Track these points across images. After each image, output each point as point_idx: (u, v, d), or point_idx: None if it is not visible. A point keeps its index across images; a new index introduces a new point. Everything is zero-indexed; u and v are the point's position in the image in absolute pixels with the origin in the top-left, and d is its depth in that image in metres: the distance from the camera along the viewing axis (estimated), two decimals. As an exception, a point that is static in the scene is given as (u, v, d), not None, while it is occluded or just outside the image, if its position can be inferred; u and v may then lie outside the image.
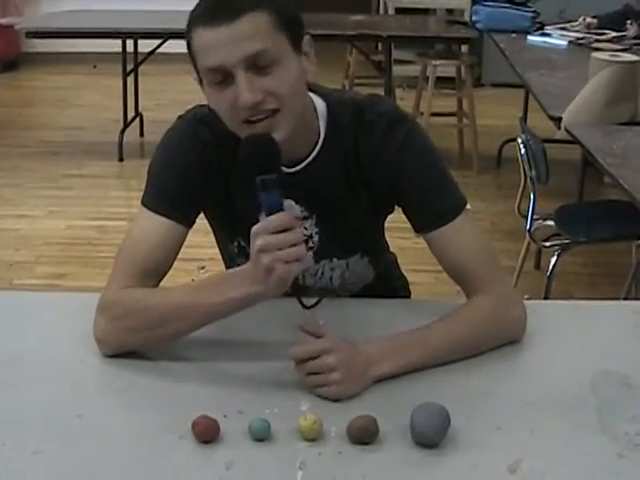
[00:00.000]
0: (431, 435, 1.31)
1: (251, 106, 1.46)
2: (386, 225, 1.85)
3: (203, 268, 3.95)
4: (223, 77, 1.47)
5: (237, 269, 1.52)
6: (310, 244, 1.69)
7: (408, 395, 1.42)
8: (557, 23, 5.20)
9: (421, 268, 2.96)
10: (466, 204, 1.65)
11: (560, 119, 3.33)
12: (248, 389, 1.47)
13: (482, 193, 5.05)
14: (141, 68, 6.01)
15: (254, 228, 1.41)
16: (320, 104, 1.64)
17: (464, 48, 6.56)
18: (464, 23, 5.94)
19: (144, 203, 1.62)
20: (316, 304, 1.62)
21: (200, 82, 1.56)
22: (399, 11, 7.14)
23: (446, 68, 5.78)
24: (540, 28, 5.13)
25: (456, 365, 1.53)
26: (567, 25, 5.11)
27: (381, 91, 5.42)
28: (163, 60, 6.44)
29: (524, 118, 5.19)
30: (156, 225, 1.59)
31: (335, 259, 1.75)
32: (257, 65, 1.45)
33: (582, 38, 4.86)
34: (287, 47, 1.49)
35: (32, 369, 1.53)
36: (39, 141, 6.09)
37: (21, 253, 4.32)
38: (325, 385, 1.43)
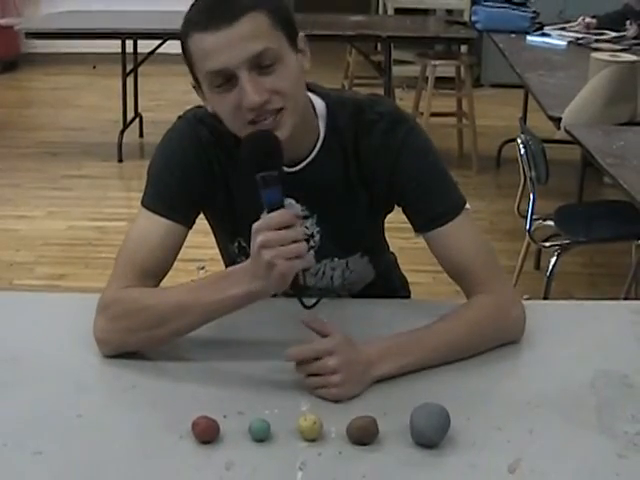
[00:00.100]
0: (431, 435, 1.31)
1: (257, 107, 1.46)
2: (386, 225, 1.85)
3: (203, 268, 3.95)
4: (225, 80, 1.46)
5: (236, 267, 1.52)
6: (311, 243, 1.69)
7: (408, 395, 1.42)
8: (556, 23, 5.21)
9: (420, 268, 2.96)
10: (465, 204, 1.65)
11: (560, 119, 3.33)
12: (248, 389, 1.47)
13: (482, 193, 5.05)
14: (141, 69, 6.01)
15: (255, 225, 1.41)
16: (319, 104, 1.64)
17: (463, 48, 6.58)
18: (463, 23, 5.95)
19: (144, 203, 1.63)
20: (316, 304, 1.62)
21: (195, 87, 1.56)
22: (398, 11, 7.15)
23: (445, 68, 5.78)
24: (539, 28, 5.14)
25: (456, 365, 1.53)
26: (566, 25, 5.12)
27: (381, 91, 5.43)
28: (163, 61, 6.43)
29: (524, 118, 5.20)
30: (156, 225, 1.60)
31: (336, 259, 1.75)
32: (260, 65, 1.46)
33: (581, 38, 4.87)
34: (286, 45, 1.50)
35: (32, 369, 1.53)
36: (39, 142, 6.09)
37: (21, 254, 4.32)
38: (325, 387, 1.43)
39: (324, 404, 1.41)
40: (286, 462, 1.29)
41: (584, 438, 1.35)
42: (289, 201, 1.54)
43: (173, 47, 5.85)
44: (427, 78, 5.67)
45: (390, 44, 5.69)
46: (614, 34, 4.89)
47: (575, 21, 5.11)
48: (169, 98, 6.89)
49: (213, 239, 1.84)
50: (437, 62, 5.63)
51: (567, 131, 3.15)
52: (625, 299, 3.40)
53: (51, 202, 4.98)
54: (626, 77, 3.34)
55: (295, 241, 1.39)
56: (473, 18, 5.48)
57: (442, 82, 5.88)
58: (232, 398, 1.43)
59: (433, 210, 1.62)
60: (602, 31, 4.95)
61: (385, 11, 7.60)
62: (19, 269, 4.16)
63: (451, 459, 1.30)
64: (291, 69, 1.50)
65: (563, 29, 5.07)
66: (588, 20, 5.05)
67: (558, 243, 3.41)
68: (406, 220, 1.68)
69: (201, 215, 1.70)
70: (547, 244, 3.50)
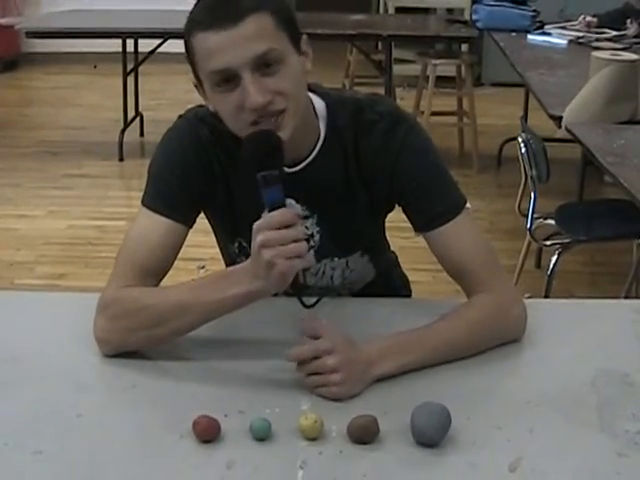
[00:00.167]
0: (432, 434, 1.31)
1: (260, 108, 1.46)
2: (386, 224, 1.85)
3: (203, 268, 3.94)
4: (228, 80, 1.46)
5: (237, 266, 1.52)
6: (311, 243, 1.69)
7: (408, 394, 1.42)
8: (557, 22, 5.20)
9: (420, 267, 2.96)
10: (466, 203, 1.65)
11: (560, 118, 3.33)
12: (249, 389, 1.47)
13: (482, 192, 5.05)
14: (141, 68, 6.01)
15: (256, 224, 1.41)
16: (319, 104, 1.64)
17: (464, 47, 6.57)
18: (464, 22, 5.94)
19: (144, 203, 1.62)
20: (316, 303, 1.61)
21: (197, 86, 1.56)
22: (399, 10, 7.14)
23: (446, 67, 5.78)
24: (540, 27, 5.13)
25: (456, 364, 1.53)
26: (567, 24, 5.11)
27: (381, 90, 5.42)
28: (163, 60, 6.44)
29: (524, 117, 5.19)
30: (156, 225, 1.59)
31: (336, 258, 1.75)
32: (264, 65, 1.45)
33: (582, 37, 4.86)
34: (289, 46, 1.50)
35: (32, 369, 1.53)
36: (39, 141, 6.09)
37: (21, 253, 4.32)
38: (326, 385, 1.43)
39: (325, 403, 1.41)
40: (287, 461, 1.29)
41: (585, 437, 1.35)
42: (289, 201, 1.54)
43: (174, 46, 5.85)
44: (428, 77, 5.67)
45: (391, 43, 5.69)
46: (615, 33, 4.89)
47: (576, 20, 5.10)
48: (170, 97, 6.90)
49: (213, 238, 1.84)
50: (438, 61, 5.63)
51: (568, 130, 3.15)
52: (626, 298, 3.40)
53: (51, 201, 4.98)
54: (627, 76, 3.33)
55: (295, 240, 1.39)
56: (474, 17, 5.48)
57: (443, 81, 5.88)
58: (233, 397, 1.43)
59: (433, 210, 1.62)
60: (603, 30, 4.95)
61: (386, 10, 7.59)
62: (19, 268, 4.16)
63: (452, 458, 1.30)
64: (294, 70, 1.50)
65: (564, 28, 5.07)
66: (589, 19, 5.04)
67: (559, 242, 3.41)
68: (407, 219, 1.68)
69: (201, 214, 1.70)
70: (548, 243, 3.50)
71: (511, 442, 1.33)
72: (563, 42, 4.87)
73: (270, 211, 1.41)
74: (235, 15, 1.44)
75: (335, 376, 1.42)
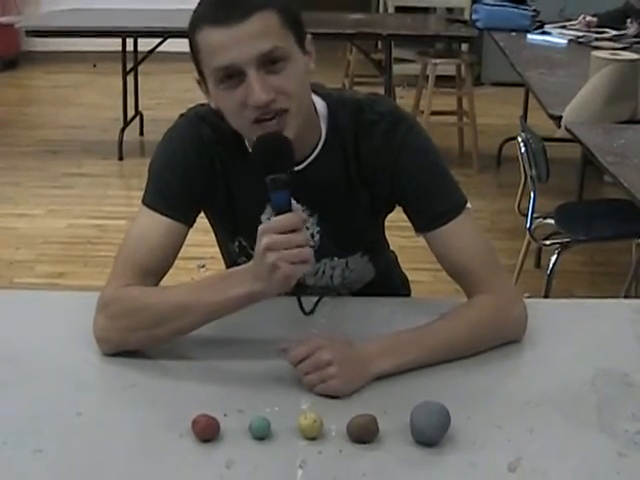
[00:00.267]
0: (431, 434, 1.31)
1: (263, 105, 1.46)
2: (386, 224, 1.85)
3: (203, 267, 3.95)
4: (232, 76, 1.46)
5: (238, 268, 1.52)
6: (311, 243, 1.68)
7: (408, 394, 1.42)
8: (557, 22, 5.20)
9: (420, 267, 2.96)
10: (466, 203, 1.64)
11: (560, 118, 3.33)
12: (248, 388, 1.47)
13: (482, 192, 5.05)
14: (141, 67, 6.01)
15: (262, 226, 1.41)
16: (320, 104, 1.64)
17: (464, 47, 6.57)
18: (464, 22, 5.94)
19: (145, 202, 1.62)
20: (314, 309, 1.61)
21: (199, 82, 1.56)
22: (399, 9, 7.14)
23: (446, 67, 5.78)
24: (540, 27, 5.14)
25: (456, 364, 1.53)
26: (567, 23, 5.12)
27: (381, 90, 5.42)
28: (163, 59, 6.44)
29: (524, 117, 5.20)
30: (157, 224, 1.59)
31: (336, 258, 1.75)
32: (269, 63, 1.45)
33: (582, 36, 4.87)
34: (294, 46, 1.50)
35: (32, 368, 1.53)
36: (39, 140, 6.09)
37: (21, 252, 4.32)
38: (324, 381, 1.43)
39: (324, 402, 1.41)
40: (286, 460, 1.29)
41: (584, 437, 1.35)
42: (296, 206, 1.54)
43: (173, 45, 5.86)
44: (427, 76, 5.67)
45: (390, 42, 5.68)
46: (615, 32, 4.89)
47: (576, 19, 5.11)
48: (169, 96, 6.90)
49: (213, 237, 1.84)
50: (438, 60, 5.63)
51: (568, 129, 3.15)
52: (625, 297, 3.40)
53: (51, 200, 4.98)
54: (627, 75, 3.33)
55: (300, 245, 1.39)
56: (474, 16, 5.48)
57: (443, 80, 5.88)
58: (232, 396, 1.43)
59: (434, 210, 1.62)
60: (603, 29, 4.95)
61: (386, 9, 7.59)
62: (19, 267, 4.16)
63: (451, 458, 1.30)
64: (298, 69, 1.50)
65: (564, 27, 5.07)
66: (589, 18, 5.05)
67: (558, 241, 3.41)
68: (407, 219, 1.68)
69: (202, 213, 1.70)
70: (547, 242, 3.50)
71: (511, 442, 1.33)
72: (563, 42, 4.87)
73: (276, 214, 1.42)
74: (242, 12, 1.44)
75: (331, 369, 1.42)
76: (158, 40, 5.71)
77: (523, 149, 3.37)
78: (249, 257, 1.67)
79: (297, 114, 1.50)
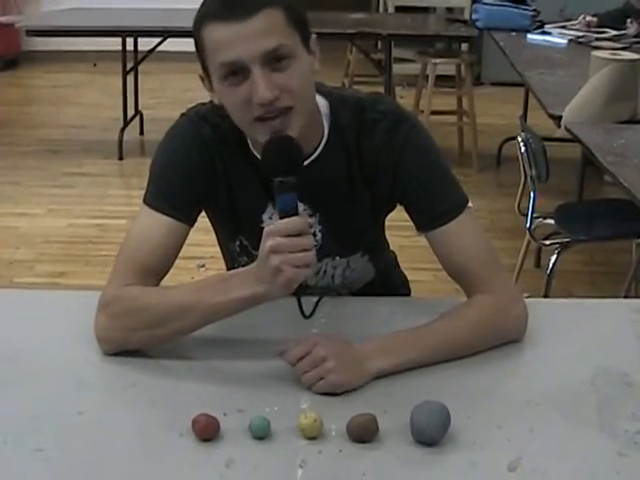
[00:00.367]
0: (431, 433, 1.31)
1: (268, 103, 1.46)
2: (386, 224, 1.85)
3: (203, 266, 3.95)
4: (236, 73, 1.46)
5: (240, 270, 1.52)
6: (314, 244, 1.68)
7: (408, 393, 1.42)
8: (557, 21, 5.20)
9: (421, 266, 2.96)
10: (467, 203, 1.64)
11: (560, 117, 3.33)
12: (248, 387, 1.47)
13: (482, 191, 5.05)
14: (141, 66, 6.01)
15: (267, 228, 1.41)
16: (322, 102, 1.64)
17: (464, 46, 6.58)
18: (464, 21, 5.94)
19: (146, 202, 1.62)
20: (313, 312, 1.61)
21: (203, 79, 1.56)
22: (399, 9, 7.14)
23: (446, 66, 5.78)
24: (540, 26, 5.13)
25: (456, 363, 1.54)
26: (567, 23, 5.11)
27: (381, 89, 5.43)
28: (163, 58, 6.45)
29: (524, 116, 5.20)
30: (158, 224, 1.59)
31: (337, 257, 1.75)
32: (274, 60, 1.45)
33: (582, 36, 4.87)
34: (299, 44, 1.50)
35: (33, 367, 1.53)
36: (39, 139, 6.09)
37: (21, 251, 4.32)
38: (321, 378, 1.43)
39: (324, 402, 1.41)
40: (286, 460, 1.29)
41: (584, 436, 1.35)
42: (301, 207, 1.54)
43: (173, 45, 5.85)
44: (427, 76, 5.67)
45: (390, 42, 5.68)
46: (615, 32, 4.89)
47: (576, 19, 5.11)
48: (169, 96, 6.90)
49: (214, 237, 1.84)
50: (437, 60, 5.63)
51: (567, 129, 3.15)
52: (625, 297, 3.40)
53: (52, 200, 4.98)
54: (627, 75, 3.33)
55: (305, 249, 1.39)
56: (474, 16, 5.48)
57: (442, 80, 5.88)
58: (232, 396, 1.44)
59: (435, 209, 1.62)
60: (603, 29, 4.95)
61: (386, 9, 7.59)
62: (19, 267, 4.15)
63: (451, 457, 1.30)
64: (303, 68, 1.50)
65: (564, 27, 5.07)
66: (589, 18, 5.04)
67: (558, 241, 3.41)
68: (407, 218, 1.67)
69: (202, 213, 1.70)
70: (547, 242, 3.50)
71: (511, 441, 1.33)
72: (563, 42, 4.87)
73: (282, 217, 1.42)
74: (248, 9, 1.44)
75: (328, 364, 1.42)
76: (158, 39, 5.70)
77: (523, 149, 3.37)
78: (250, 256, 1.68)
79: (301, 113, 1.50)
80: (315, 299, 1.66)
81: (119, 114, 5.92)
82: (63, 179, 5.34)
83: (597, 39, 4.79)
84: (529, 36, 5.03)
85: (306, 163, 1.62)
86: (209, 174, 1.64)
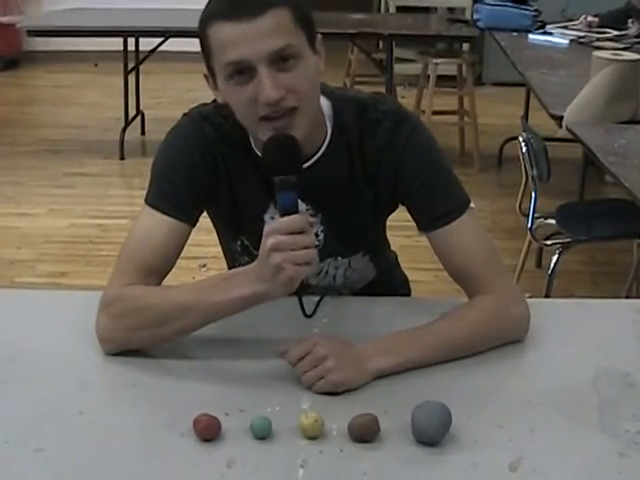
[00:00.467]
0: (432, 433, 1.31)
1: (274, 103, 1.46)
2: (388, 224, 1.85)
3: (205, 266, 3.95)
4: (243, 72, 1.46)
5: (240, 268, 1.52)
6: (315, 242, 1.68)
7: (409, 393, 1.42)
8: (558, 22, 5.20)
9: (421, 266, 2.96)
10: (469, 203, 1.64)
11: (561, 118, 3.33)
12: (249, 387, 1.47)
13: (483, 191, 5.05)
14: (142, 66, 6.01)
15: (267, 226, 1.41)
16: (325, 103, 1.64)
17: (465, 47, 6.57)
18: (465, 22, 5.94)
19: (148, 202, 1.62)
20: (314, 312, 1.61)
21: (207, 77, 1.56)
22: (400, 9, 7.14)
23: (447, 66, 5.78)
24: (541, 27, 5.13)
25: (457, 363, 1.54)
26: (568, 24, 5.11)
27: (382, 89, 5.42)
28: (164, 58, 6.45)
29: (525, 117, 5.19)
30: (159, 224, 1.59)
31: (339, 257, 1.75)
32: (281, 60, 1.45)
33: (583, 37, 4.86)
34: (305, 45, 1.50)
35: (34, 367, 1.53)
36: (40, 139, 6.09)
37: (22, 251, 4.32)
38: (322, 377, 1.43)
39: (325, 402, 1.41)
40: (287, 460, 1.29)
41: (585, 437, 1.35)
42: (303, 207, 1.54)
43: (175, 45, 5.85)
44: (429, 76, 5.66)
45: (392, 42, 5.69)
46: (616, 32, 4.88)
47: (577, 19, 5.10)
48: (171, 96, 6.90)
49: (215, 237, 1.84)
50: (439, 60, 5.63)
51: (569, 129, 3.15)
52: (626, 297, 3.40)
53: (53, 200, 4.98)
54: (628, 75, 3.33)
55: (306, 247, 1.39)
56: (475, 16, 5.48)
57: (444, 80, 5.88)
58: (233, 396, 1.44)
59: (437, 209, 1.62)
60: (604, 29, 4.95)
61: (387, 9, 7.59)
62: (20, 267, 4.16)
63: (452, 457, 1.30)
64: (309, 68, 1.50)
65: (565, 27, 5.06)
66: (590, 18, 5.04)
67: (559, 241, 3.41)
68: (408, 218, 1.67)
69: (204, 213, 1.70)
70: (548, 242, 3.50)
71: (512, 441, 1.33)
72: (564, 42, 4.87)
73: (282, 215, 1.42)
74: (255, 8, 1.44)
75: (328, 363, 1.42)
76: (159, 40, 5.71)
77: (524, 149, 3.37)
78: (251, 256, 1.67)
79: (306, 113, 1.50)
80: (316, 299, 1.66)
81: (120, 114, 5.92)
82: (64, 179, 5.34)
83: (598, 39, 4.79)
84: (530, 36, 5.03)
85: (309, 163, 1.62)
86: (211, 174, 1.64)
